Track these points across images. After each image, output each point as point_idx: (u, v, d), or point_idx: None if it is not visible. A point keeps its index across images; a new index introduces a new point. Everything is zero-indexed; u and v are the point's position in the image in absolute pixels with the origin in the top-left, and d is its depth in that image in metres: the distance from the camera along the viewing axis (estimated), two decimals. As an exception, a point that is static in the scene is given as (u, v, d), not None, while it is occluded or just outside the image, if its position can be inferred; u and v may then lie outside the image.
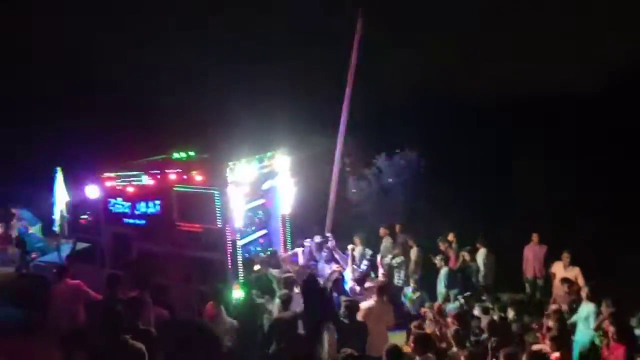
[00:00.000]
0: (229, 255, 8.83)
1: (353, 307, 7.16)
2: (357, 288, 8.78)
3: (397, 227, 12.02)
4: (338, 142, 13.29)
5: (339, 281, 8.36)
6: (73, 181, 11.21)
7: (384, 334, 7.55)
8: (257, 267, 8.97)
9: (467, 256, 10.53)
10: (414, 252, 10.87)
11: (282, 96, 16.61)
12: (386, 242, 11.63)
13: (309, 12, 18.78)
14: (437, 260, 10.21)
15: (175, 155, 10.39)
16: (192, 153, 10.45)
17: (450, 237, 11.06)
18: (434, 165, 15.13)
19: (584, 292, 8.09)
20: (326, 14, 18.19)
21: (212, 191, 8.79)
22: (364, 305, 7.57)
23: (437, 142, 15.72)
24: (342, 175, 14.10)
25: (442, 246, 10.85)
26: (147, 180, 9.36)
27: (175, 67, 18.79)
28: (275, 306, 7.54)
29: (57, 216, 13.51)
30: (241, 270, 8.93)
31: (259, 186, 9.95)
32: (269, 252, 9.79)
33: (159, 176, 9.23)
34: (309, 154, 12.45)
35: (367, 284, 9.00)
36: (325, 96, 14.32)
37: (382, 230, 11.88)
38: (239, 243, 9.14)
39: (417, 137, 15.43)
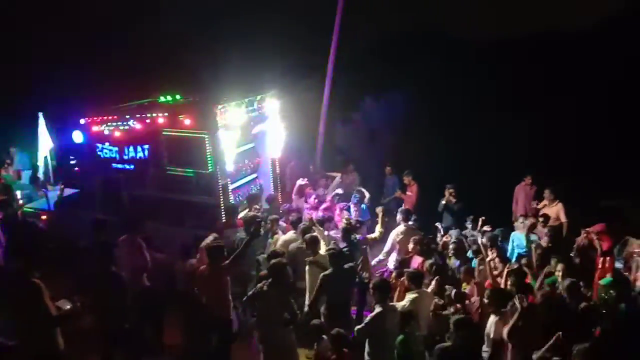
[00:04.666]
0: (221, 199, 8.82)
1: None
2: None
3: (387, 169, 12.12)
4: (326, 85, 13.12)
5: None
6: (58, 126, 10.91)
7: None
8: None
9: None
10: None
11: (272, 38, 16.04)
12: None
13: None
14: None
15: (162, 98, 10.14)
16: (178, 96, 10.20)
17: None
18: (425, 108, 14.99)
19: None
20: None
21: (202, 135, 8.67)
22: None
23: (429, 82, 15.48)
24: (330, 120, 13.95)
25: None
26: (134, 125, 9.17)
27: (160, 8, 17.87)
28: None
29: (41, 162, 13.14)
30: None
31: (249, 130, 9.83)
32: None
33: (147, 120, 9.03)
34: (299, 97, 12.21)
35: None
36: (318, 38, 13.87)
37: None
38: (230, 187, 9.15)
39: (406, 79, 15.18)
